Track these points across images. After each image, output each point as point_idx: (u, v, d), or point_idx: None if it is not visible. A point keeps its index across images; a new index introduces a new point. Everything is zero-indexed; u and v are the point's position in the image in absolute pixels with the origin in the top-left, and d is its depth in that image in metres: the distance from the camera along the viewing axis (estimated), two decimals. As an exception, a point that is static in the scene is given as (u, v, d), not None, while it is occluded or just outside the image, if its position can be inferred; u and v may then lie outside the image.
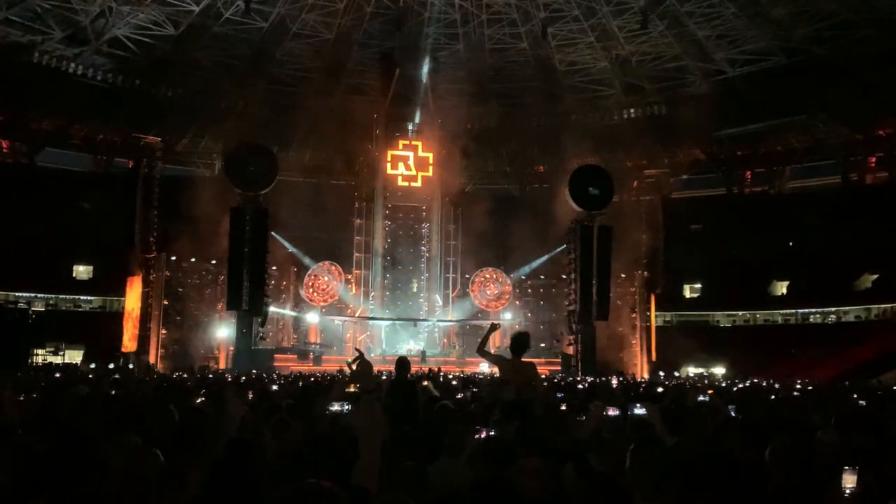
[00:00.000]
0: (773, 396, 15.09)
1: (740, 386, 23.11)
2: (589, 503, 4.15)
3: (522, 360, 8.86)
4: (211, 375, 26.07)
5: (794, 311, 45.51)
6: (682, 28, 42.73)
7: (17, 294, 40.47)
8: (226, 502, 3.67)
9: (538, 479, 4.11)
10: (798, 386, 22.15)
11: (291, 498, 2.26)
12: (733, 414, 8.90)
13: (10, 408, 6.37)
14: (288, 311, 44.56)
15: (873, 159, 48.64)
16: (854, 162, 49.07)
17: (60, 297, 43.69)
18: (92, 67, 43.77)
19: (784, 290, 46.08)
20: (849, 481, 4.05)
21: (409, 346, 41.64)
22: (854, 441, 5.87)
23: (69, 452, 3.31)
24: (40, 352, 32.87)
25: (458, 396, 11.49)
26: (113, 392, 12.02)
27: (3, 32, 39.79)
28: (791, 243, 45.95)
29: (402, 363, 9.36)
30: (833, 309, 44.08)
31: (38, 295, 42.09)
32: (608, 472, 4.94)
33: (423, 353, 38.84)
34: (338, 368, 30.52)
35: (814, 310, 44.95)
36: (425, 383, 11.49)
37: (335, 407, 5.25)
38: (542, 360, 37.05)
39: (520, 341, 8.89)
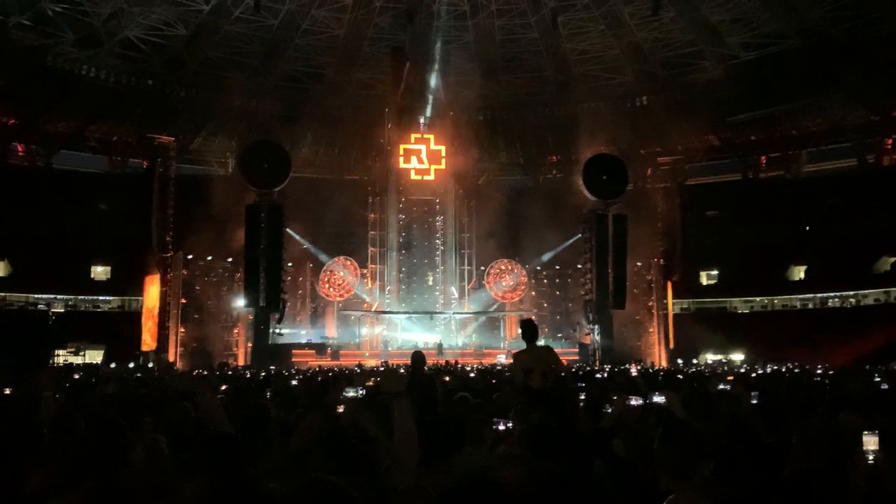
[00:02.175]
0: (793, 381, 14.99)
1: (760, 372, 22.96)
2: (614, 488, 4.15)
3: (537, 345, 8.76)
4: (230, 372, 26.25)
5: (812, 295, 45.17)
6: (695, 13, 42.36)
7: (36, 296, 40.89)
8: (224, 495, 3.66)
9: (520, 467, 4.10)
10: (819, 370, 21.98)
11: (299, 492, 2.27)
12: (755, 402, 8.82)
13: (47, 407, 6.49)
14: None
15: (890, 141, 48.13)
16: (870, 144, 48.61)
17: (79, 297, 44.07)
18: (105, 69, 44.12)
19: (802, 275, 45.74)
20: (870, 443, 3.89)
21: (426, 338, 41.63)
22: (877, 422, 5.84)
23: (100, 448, 3.35)
24: (61, 352, 33.13)
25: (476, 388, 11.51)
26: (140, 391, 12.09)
27: (16, 36, 40.02)
28: (808, 228, 45.58)
29: (419, 357, 9.40)
30: (851, 293, 43.78)
31: (58, 296, 42.42)
32: (633, 459, 4.95)
33: (440, 345, 38.89)
34: (356, 363, 30.68)
35: (832, 294, 44.64)
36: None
37: (350, 393, 5.26)
38: (560, 349, 36.75)
39: (531, 328, 8.78)
